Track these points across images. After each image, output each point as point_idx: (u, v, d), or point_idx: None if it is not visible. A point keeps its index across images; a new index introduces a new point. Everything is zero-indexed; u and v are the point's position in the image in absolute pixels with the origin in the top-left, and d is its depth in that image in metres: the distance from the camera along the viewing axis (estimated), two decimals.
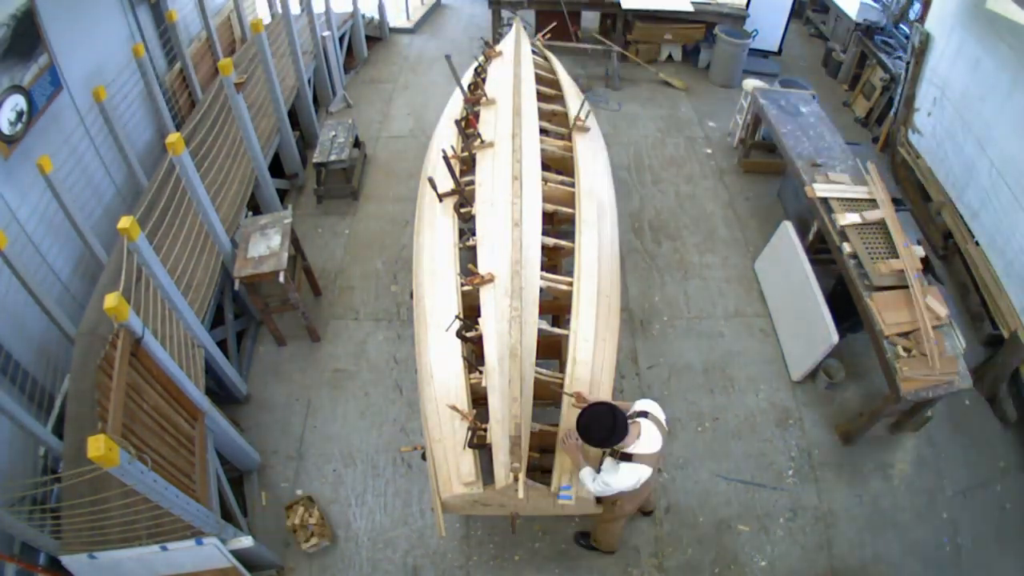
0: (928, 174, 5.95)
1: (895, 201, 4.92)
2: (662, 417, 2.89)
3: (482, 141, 4.53)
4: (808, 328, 4.56)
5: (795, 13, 8.35)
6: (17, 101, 4.05)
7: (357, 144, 6.42)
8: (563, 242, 4.03)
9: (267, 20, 7.19)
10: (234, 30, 6.89)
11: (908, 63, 6.30)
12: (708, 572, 3.90)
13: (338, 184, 6.28)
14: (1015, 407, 4.61)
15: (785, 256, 4.99)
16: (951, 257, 5.58)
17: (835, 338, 4.26)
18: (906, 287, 4.19)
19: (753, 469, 4.34)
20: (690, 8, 7.92)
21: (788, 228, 4.98)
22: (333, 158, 5.97)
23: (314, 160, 6.04)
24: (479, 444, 3.12)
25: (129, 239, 3.17)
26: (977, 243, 5.19)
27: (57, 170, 4.00)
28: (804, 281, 4.62)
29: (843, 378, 4.68)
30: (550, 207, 4.25)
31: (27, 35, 4.15)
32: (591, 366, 3.38)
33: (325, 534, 3.89)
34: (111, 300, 2.80)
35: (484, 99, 5.00)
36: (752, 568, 3.91)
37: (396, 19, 9.37)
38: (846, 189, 4.91)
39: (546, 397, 3.47)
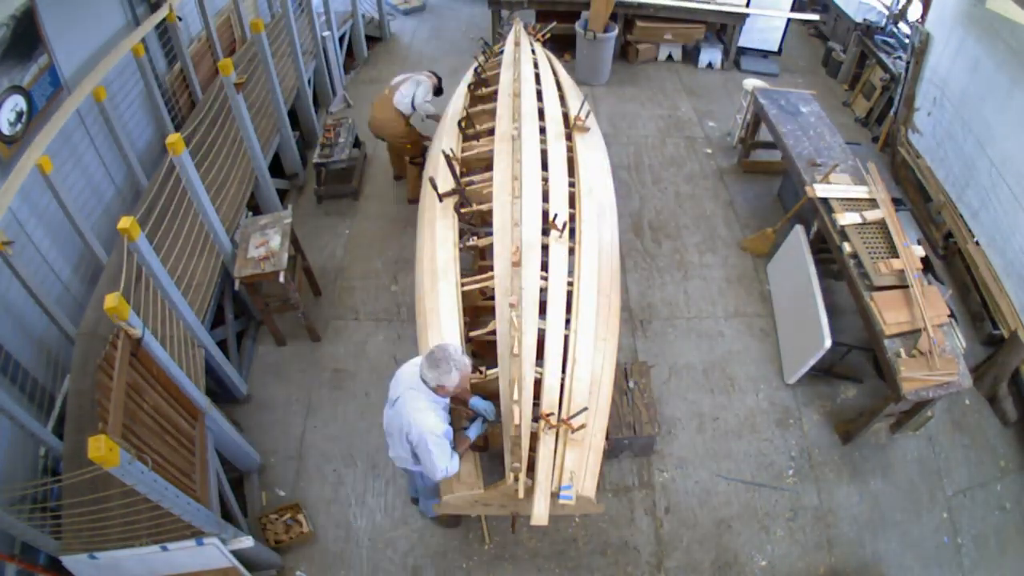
0: (928, 174, 5.95)
1: (895, 201, 4.92)
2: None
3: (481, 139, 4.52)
4: (805, 332, 4.56)
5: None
6: (17, 101, 4.05)
7: (357, 144, 6.42)
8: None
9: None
10: (234, 30, 6.88)
11: (908, 63, 6.31)
12: (708, 572, 3.90)
13: (338, 184, 6.28)
14: (1015, 407, 4.62)
15: (793, 259, 4.99)
16: (951, 257, 5.58)
17: (828, 343, 4.24)
18: (906, 287, 4.19)
19: (753, 469, 4.34)
20: None
21: (799, 232, 4.98)
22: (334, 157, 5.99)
23: (314, 160, 6.04)
24: (480, 447, 3.12)
25: (129, 239, 3.17)
26: (977, 242, 5.19)
27: (57, 170, 3.99)
28: (807, 284, 4.61)
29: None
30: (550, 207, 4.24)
31: (27, 35, 4.15)
32: (591, 366, 3.37)
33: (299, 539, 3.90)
34: (111, 300, 2.80)
35: (484, 99, 5.00)
36: (752, 568, 3.91)
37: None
38: (846, 189, 4.91)
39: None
